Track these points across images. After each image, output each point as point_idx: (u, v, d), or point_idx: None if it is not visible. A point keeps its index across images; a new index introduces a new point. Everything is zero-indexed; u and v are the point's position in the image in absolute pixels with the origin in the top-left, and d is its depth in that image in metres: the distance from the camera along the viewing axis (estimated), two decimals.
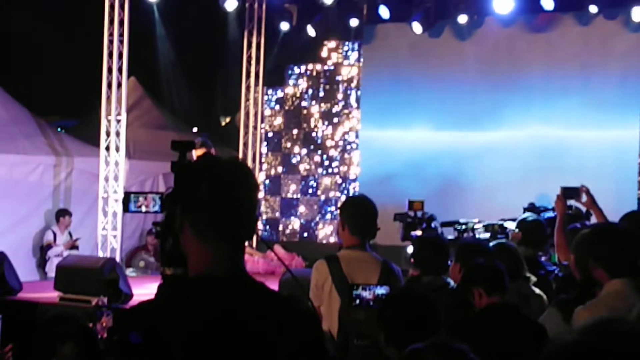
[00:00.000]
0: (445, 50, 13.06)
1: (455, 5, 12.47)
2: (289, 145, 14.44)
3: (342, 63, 14.14)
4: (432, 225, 9.13)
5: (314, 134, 14.26)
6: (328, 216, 14.07)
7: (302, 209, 14.29)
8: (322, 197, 14.14)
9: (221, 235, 2.09)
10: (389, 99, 13.36)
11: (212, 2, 12.86)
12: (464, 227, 9.00)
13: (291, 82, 14.48)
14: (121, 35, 11.70)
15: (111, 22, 11.68)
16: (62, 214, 11.57)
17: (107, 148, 11.80)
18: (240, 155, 13.94)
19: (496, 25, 12.63)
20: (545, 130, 12.31)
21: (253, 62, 14.35)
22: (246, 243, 2.27)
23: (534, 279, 4.84)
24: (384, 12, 12.84)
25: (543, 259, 5.89)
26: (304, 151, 14.31)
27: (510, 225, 7.45)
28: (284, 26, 13.73)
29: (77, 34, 15.53)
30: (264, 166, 14.57)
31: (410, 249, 8.60)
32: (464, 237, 8.57)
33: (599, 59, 12.13)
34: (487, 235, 8.13)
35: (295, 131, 14.39)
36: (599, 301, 3.48)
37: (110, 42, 11.70)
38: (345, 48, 14.11)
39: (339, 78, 14.14)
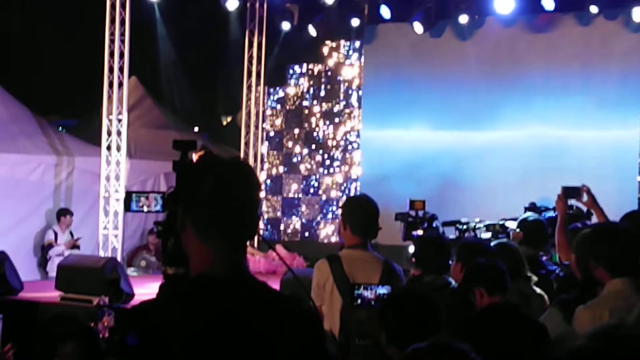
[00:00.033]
0: (446, 50, 13.05)
1: (456, 5, 12.46)
2: (290, 144, 14.44)
3: (343, 63, 14.13)
4: (434, 224, 9.13)
5: (315, 134, 14.26)
6: (329, 216, 14.06)
7: (303, 208, 14.29)
8: (324, 197, 14.14)
9: (223, 234, 2.09)
10: (390, 98, 13.35)
11: (213, 1, 12.85)
12: (465, 226, 9.00)
13: (292, 81, 14.47)
14: (122, 34, 11.71)
15: (112, 21, 11.69)
16: (63, 213, 11.56)
17: (109, 147, 11.80)
18: (242, 154, 13.92)
19: (497, 25, 12.62)
20: (546, 130, 12.30)
21: (254, 61, 14.35)
22: (248, 242, 2.27)
23: (535, 278, 4.84)
24: (385, 12, 12.83)
25: (544, 258, 5.89)
26: (305, 151, 14.30)
27: (512, 225, 7.45)
28: (285, 26, 13.72)
29: (77, 34, 15.52)
30: (265, 166, 14.57)
31: (411, 249, 8.58)
32: (465, 237, 8.57)
33: (599, 59, 12.12)
34: (489, 235, 8.14)
35: (296, 131, 14.39)
36: (599, 301, 3.48)
37: (112, 41, 11.71)
38: (347, 48, 14.09)
39: (340, 78, 14.12)
